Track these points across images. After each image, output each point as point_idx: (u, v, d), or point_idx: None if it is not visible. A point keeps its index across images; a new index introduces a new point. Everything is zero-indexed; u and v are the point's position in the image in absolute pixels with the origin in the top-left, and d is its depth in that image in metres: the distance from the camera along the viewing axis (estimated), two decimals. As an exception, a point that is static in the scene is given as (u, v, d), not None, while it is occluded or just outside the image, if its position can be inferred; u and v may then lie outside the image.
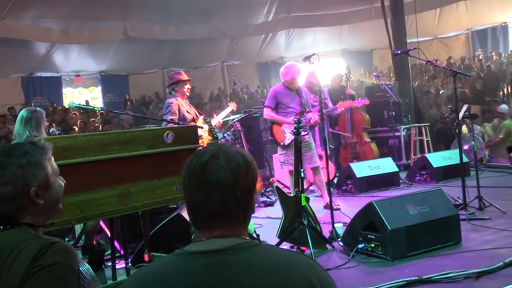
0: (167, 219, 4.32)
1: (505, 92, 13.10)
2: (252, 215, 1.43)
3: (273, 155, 7.79)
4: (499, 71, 14.42)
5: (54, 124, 10.48)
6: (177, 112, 5.39)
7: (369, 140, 8.69)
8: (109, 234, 4.27)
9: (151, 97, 17.53)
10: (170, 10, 15.23)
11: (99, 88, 18.12)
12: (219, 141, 5.24)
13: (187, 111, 5.54)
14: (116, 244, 4.16)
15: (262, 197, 7.17)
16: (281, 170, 6.71)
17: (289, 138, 5.70)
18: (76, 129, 12.21)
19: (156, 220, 4.41)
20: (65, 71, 16.92)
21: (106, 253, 4.34)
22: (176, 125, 4.81)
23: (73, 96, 17.74)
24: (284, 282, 1.24)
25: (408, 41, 10.29)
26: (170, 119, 5.18)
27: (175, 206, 4.80)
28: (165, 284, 1.26)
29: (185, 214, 4.40)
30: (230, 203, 1.31)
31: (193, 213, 1.34)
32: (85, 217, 3.05)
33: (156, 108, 15.68)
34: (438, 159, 7.53)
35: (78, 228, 4.71)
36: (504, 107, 9.42)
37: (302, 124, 4.68)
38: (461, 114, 5.65)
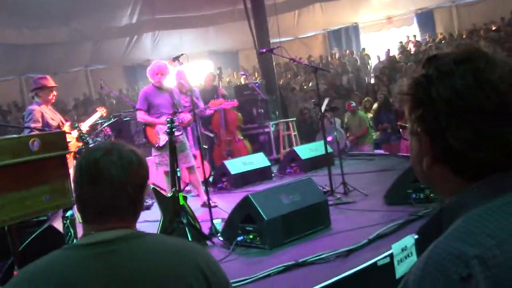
0: (37, 231, 4.08)
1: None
2: None
3: (146, 158, 7.67)
4: (353, 67, 15.70)
5: None
6: (40, 119, 5.10)
7: (242, 137, 8.94)
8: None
9: (10, 105, 16.21)
10: (25, 12, 14.23)
11: None
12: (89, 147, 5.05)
13: (52, 118, 5.26)
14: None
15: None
16: (156, 173, 6.64)
17: (163, 139, 5.67)
18: None
19: (25, 234, 4.13)
20: None
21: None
22: (41, 132, 4.55)
23: None
24: (173, 268, 1.30)
25: (271, 41, 10.74)
26: (33, 127, 4.88)
27: (45, 218, 4.54)
28: (52, 276, 1.26)
29: (56, 224, 4.19)
30: (121, 198, 1.34)
31: (83, 208, 1.36)
32: None
33: (15, 118, 14.55)
34: (306, 151, 7.97)
35: None
36: (352, 102, 10.34)
37: (175, 124, 4.70)
38: (323, 108, 6.07)
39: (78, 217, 3.24)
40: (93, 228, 1.33)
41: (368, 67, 16.84)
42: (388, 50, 16.11)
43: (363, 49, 18.06)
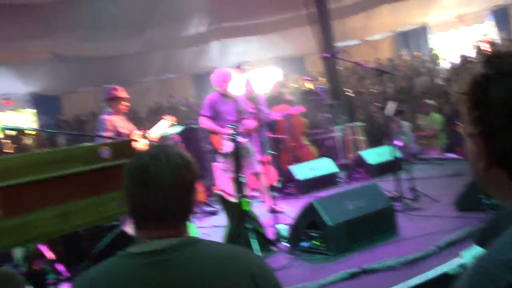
0: (110, 236, 4.26)
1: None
2: (198, 225, 1.49)
3: (213, 164, 7.82)
4: (422, 67, 15.20)
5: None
6: (111, 128, 5.33)
7: (308, 142, 8.91)
8: (49, 257, 4.17)
9: (88, 115, 17.13)
10: (99, 26, 14.96)
11: (31, 110, 17.49)
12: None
13: (123, 127, 5.49)
14: (60, 266, 4.07)
15: (206, 206, 7.18)
16: (224, 179, 6.75)
17: (228, 145, 5.76)
18: (11, 152, 11.73)
19: (100, 238, 4.33)
20: (-8, 94, 16.23)
21: (48, 277, 4.22)
22: (111, 140, 4.76)
23: (2, 120, 17.02)
24: (226, 275, 1.31)
25: (338, 45, 10.64)
26: (105, 135, 5.11)
27: (117, 223, 4.74)
28: (108, 284, 1.29)
29: (128, 229, 4.37)
30: (170, 203, 1.35)
31: (134, 214, 1.38)
32: (24, 240, 2.98)
33: (92, 127, 15.31)
34: (373, 156, 7.81)
35: (18, 253, 4.56)
36: (429, 101, 10.00)
37: (239, 131, 4.77)
38: (390, 111, 5.94)
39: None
40: (146, 235, 1.36)
41: (438, 67, 16.25)
42: (461, 50, 15.50)
43: (432, 49, 17.48)
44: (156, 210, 1.35)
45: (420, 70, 14.99)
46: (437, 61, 16.56)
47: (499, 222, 0.91)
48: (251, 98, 6.30)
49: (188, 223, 1.44)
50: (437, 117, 9.66)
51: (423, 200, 5.47)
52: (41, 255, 4.55)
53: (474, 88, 0.92)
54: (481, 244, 3.00)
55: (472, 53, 15.12)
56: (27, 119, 17.65)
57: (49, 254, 4.36)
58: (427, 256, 3.63)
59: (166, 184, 1.34)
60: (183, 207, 1.38)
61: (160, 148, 1.42)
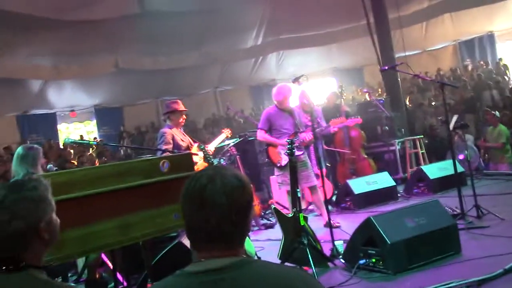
0: (168, 247, 4.33)
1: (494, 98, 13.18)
2: (253, 238, 1.50)
3: (270, 177, 7.82)
4: (490, 79, 14.55)
5: (48, 160, 10.48)
6: (171, 141, 5.45)
7: (366, 156, 8.73)
8: (111, 266, 4.28)
9: (148, 126, 17.65)
10: (160, 40, 15.42)
11: (94, 122, 18.22)
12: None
13: (181, 140, 5.60)
14: (119, 276, 4.17)
15: (262, 219, 7.17)
16: (280, 192, 6.73)
17: (285, 159, 5.74)
18: (75, 163, 12.22)
19: (158, 249, 4.42)
20: (59, 107, 17.03)
21: (109, 286, 4.34)
22: (171, 154, 4.86)
23: (68, 132, 17.84)
24: None
25: (397, 55, 10.41)
26: (165, 149, 5.23)
27: (175, 234, 4.82)
28: None
29: (185, 241, 4.42)
30: (226, 225, 1.37)
31: (191, 235, 1.41)
32: (86, 250, 3.07)
33: (151, 138, 15.75)
34: (434, 170, 7.56)
35: (81, 262, 4.72)
36: (495, 112, 9.57)
37: (296, 145, 4.74)
38: (452, 125, 5.73)
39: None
40: (202, 255, 1.38)
41: (506, 78, 15.54)
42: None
43: (500, 59, 16.73)
44: (211, 231, 1.37)
45: (486, 81, 14.37)
46: (506, 71, 15.83)
47: None
48: (308, 111, 6.26)
49: (244, 243, 1.44)
50: (504, 129, 9.23)
51: (488, 218, 5.22)
52: (103, 264, 4.69)
53: None
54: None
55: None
56: (90, 130, 18.40)
57: (109, 263, 4.49)
58: (493, 278, 3.44)
59: (221, 207, 1.36)
60: (237, 228, 1.39)
61: (216, 169, 1.43)
